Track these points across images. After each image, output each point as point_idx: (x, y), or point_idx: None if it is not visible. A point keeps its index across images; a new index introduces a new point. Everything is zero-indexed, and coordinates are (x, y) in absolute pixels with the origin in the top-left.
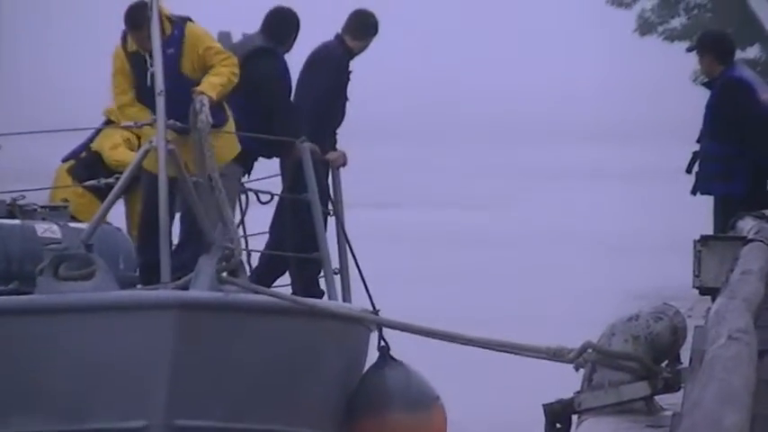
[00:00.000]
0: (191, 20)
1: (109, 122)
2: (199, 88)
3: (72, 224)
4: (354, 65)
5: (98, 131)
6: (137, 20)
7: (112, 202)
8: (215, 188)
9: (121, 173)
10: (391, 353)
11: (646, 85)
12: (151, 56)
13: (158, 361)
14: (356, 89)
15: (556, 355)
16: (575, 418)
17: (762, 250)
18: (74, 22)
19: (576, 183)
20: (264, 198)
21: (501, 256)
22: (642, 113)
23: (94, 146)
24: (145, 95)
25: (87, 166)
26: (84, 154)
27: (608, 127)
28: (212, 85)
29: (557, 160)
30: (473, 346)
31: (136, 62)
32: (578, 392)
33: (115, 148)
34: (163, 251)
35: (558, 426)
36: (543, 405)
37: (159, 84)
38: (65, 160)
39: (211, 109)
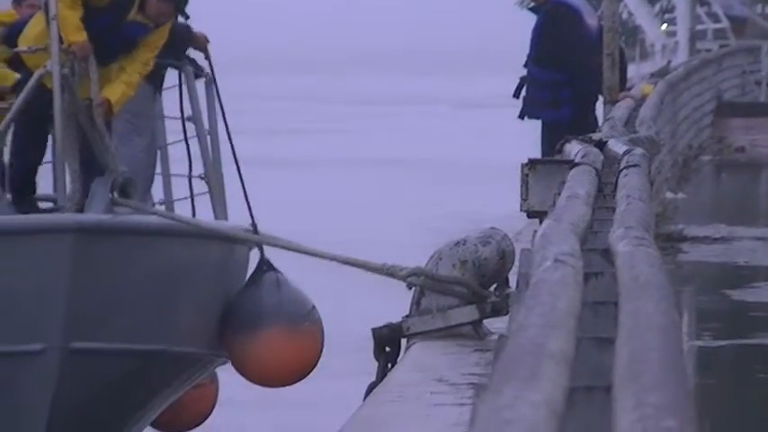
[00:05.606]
0: None
1: None
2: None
3: None
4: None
5: None
6: None
7: (7, 127)
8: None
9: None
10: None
11: (474, 13)
12: None
13: (55, 285)
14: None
15: (390, 272)
16: (403, 342)
17: (588, 174)
18: None
19: (407, 110)
20: None
21: (328, 181)
22: (470, 43)
23: None
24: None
25: None
26: None
27: (438, 57)
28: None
29: (389, 89)
30: (329, 259)
31: None
32: (407, 317)
33: None
34: (58, 176)
35: (387, 349)
36: (372, 329)
37: (52, 9)
38: None
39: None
